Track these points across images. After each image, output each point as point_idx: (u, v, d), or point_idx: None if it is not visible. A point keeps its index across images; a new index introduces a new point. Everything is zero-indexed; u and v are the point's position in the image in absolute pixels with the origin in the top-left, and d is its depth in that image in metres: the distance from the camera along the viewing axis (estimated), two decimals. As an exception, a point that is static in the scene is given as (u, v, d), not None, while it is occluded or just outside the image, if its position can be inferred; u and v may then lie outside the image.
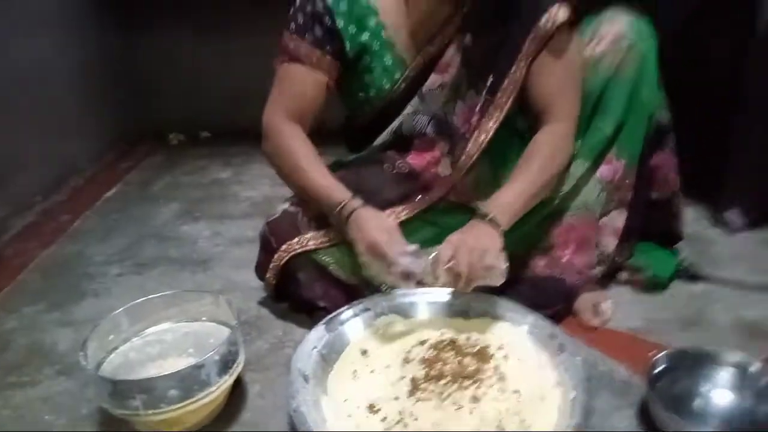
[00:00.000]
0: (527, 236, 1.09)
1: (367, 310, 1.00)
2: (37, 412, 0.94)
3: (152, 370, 0.90)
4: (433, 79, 1.07)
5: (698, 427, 0.82)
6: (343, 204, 0.99)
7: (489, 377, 0.88)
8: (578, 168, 1.08)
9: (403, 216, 1.08)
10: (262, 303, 1.20)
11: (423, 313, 1.02)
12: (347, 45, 1.04)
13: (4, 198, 1.59)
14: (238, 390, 0.94)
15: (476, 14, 1.03)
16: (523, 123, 1.08)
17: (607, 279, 1.18)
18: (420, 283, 0.97)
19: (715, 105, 1.35)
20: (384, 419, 0.82)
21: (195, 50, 2.25)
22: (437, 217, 1.11)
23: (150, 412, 0.79)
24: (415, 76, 1.07)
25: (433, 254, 0.93)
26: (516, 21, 0.99)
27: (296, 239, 1.06)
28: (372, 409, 0.84)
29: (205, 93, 2.29)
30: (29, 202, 1.68)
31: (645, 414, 0.85)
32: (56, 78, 1.83)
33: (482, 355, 0.92)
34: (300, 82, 1.06)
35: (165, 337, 0.96)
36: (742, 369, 0.85)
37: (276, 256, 1.07)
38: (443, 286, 0.97)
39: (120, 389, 0.79)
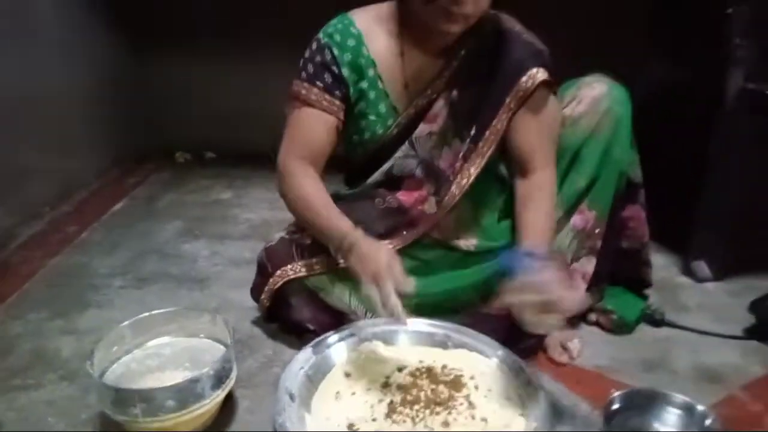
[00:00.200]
0: (504, 275, 1.17)
1: (352, 335, 1.08)
2: (41, 414, 1.01)
3: (151, 382, 0.97)
4: (423, 128, 1.16)
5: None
6: (346, 235, 1.04)
7: (460, 404, 0.96)
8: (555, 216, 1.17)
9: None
10: (255, 323, 1.27)
11: (405, 341, 1.10)
12: (351, 90, 1.13)
13: (13, 207, 1.67)
14: (228, 404, 1.01)
15: (463, 71, 1.12)
16: (503, 169, 1.18)
17: (577, 319, 1.26)
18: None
19: (687, 166, 1.47)
20: (361, 438, 0.90)
21: (203, 73, 2.35)
22: (418, 251, 1.20)
23: (148, 419, 0.86)
24: (406, 124, 1.16)
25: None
26: (499, 79, 1.09)
27: (290, 266, 1.15)
28: (351, 428, 0.92)
29: (212, 115, 2.39)
30: (37, 213, 1.76)
31: (601, 447, 0.93)
32: (68, 96, 1.92)
33: (455, 384, 1.00)
34: (312, 125, 1.13)
35: (164, 351, 1.04)
36: (689, 410, 0.93)
37: (271, 280, 1.16)
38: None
39: (122, 397, 0.86)
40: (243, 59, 2.31)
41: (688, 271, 1.50)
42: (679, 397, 0.94)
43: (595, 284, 1.24)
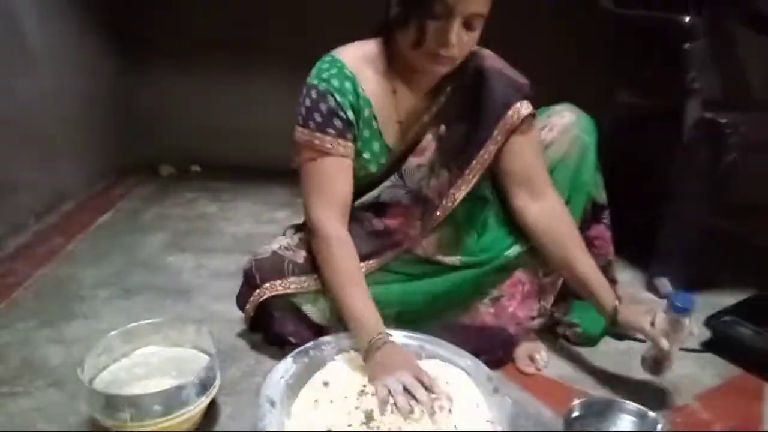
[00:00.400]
0: (482, 285, 1.25)
1: (332, 345, 1.14)
2: (30, 420, 1.05)
3: (138, 389, 1.02)
4: (412, 161, 1.20)
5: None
6: (378, 336, 1.05)
7: (432, 412, 1.02)
8: None
9: (373, 267, 1.23)
10: (238, 334, 1.32)
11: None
12: (356, 130, 1.16)
13: (1, 218, 1.69)
14: (212, 410, 1.06)
15: (450, 107, 1.18)
16: (485, 189, 1.24)
17: (545, 331, 1.34)
18: None
19: (651, 189, 1.56)
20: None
21: (189, 87, 2.40)
22: (402, 266, 1.26)
23: (136, 424, 0.91)
24: (396, 157, 1.22)
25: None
26: (485, 114, 1.16)
27: (279, 281, 1.19)
28: (328, 434, 0.97)
29: (197, 129, 2.44)
30: (24, 224, 1.79)
31: (562, 452, 1.00)
32: (55, 108, 1.95)
33: (428, 392, 1.06)
34: (334, 174, 1.14)
35: (151, 360, 1.09)
36: (642, 417, 1.01)
37: (257, 291, 1.20)
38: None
39: (112, 402, 0.91)
40: (230, 74, 2.37)
41: (651, 288, 1.58)
42: (634, 405, 1.02)
43: (563, 299, 1.31)
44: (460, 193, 1.20)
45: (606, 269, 1.36)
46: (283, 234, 1.31)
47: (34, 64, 1.84)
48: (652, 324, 1.09)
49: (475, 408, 1.03)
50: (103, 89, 2.27)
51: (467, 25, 1.02)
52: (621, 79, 1.75)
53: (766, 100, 1.86)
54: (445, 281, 1.24)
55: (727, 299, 1.45)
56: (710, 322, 1.34)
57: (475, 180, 1.19)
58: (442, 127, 1.19)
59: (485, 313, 1.25)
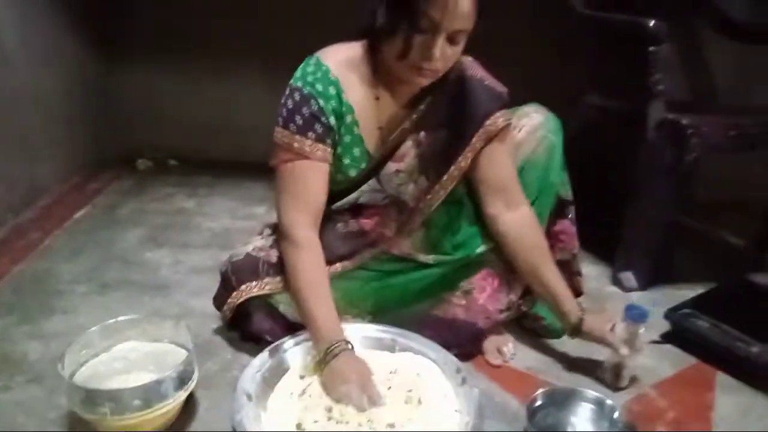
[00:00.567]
0: (454, 280, 1.29)
1: (307, 340, 1.17)
2: (10, 414, 1.07)
3: (117, 383, 1.04)
4: (391, 166, 1.24)
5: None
6: (336, 344, 1.08)
7: (404, 402, 1.06)
8: None
9: (350, 267, 1.27)
10: (215, 329, 1.35)
11: (356, 346, 1.19)
12: (336, 135, 1.18)
13: (-23, 214, 1.70)
14: (190, 404, 1.09)
15: (430, 115, 1.21)
16: (460, 193, 1.27)
17: (513, 324, 1.39)
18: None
19: (617, 186, 1.62)
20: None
21: (167, 80, 2.39)
22: (377, 264, 1.30)
23: (116, 417, 0.94)
24: (376, 163, 1.25)
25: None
26: (465, 122, 1.19)
27: (255, 282, 1.22)
28: (299, 427, 1.00)
29: (176, 122, 2.42)
30: (1, 219, 1.79)
31: (525, 440, 1.05)
32: (32, 101, 1.93)
33: (400, 384, 1.10)
34: (311, 177, 1.15)
35: (130, 355, 1.11)
36: (599, 405, 1.07)
37: (235, 293, 1.23)
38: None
39: (92, 396, 0.94)
40: (209, 68, 2.36)
41: (616, 282, 1.65)
42: (593, 394, 1.08)
43: (530, 293, 1.37)
44: (438, 198, 1.24)
45: (571, 262, 1.42)
46: (259, 234, 1.34)
47: (10, 58, 1.83)
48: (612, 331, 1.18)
49: (443, 398, 1.08)
50: (81, 82, 2.25)
51: (451, 40, 1.05)
52: (590, 80, 1.80)
53: (728, 102, 1.93)
54: (420, 277, 1.29)
55: (688, 292, 1.52)
56: (670, 315, 1.40)
57: (452, 186, 1.23)
58: (422, 134, 1.22)
59: (457, 305, 1.29)
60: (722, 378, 1.27)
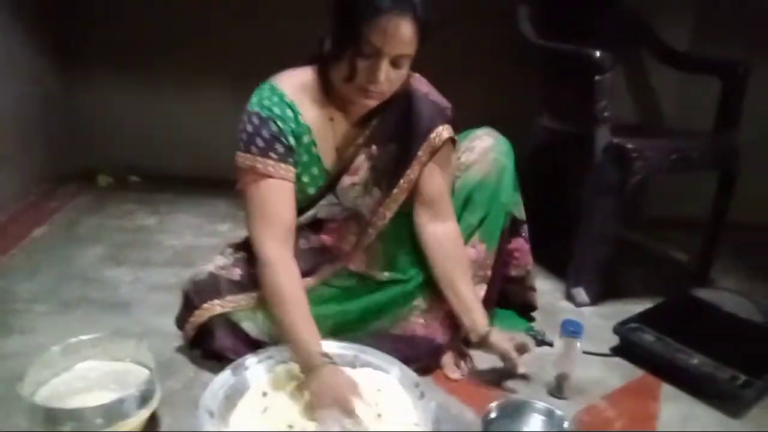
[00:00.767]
0: (411, 297, 1.34)
1: (269, 357, 1.20)
2: (-34, 436, 1.06)
3: (78, 402, 1.04)
4: (346, 180, 1.28)
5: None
6: (312, 359, 1.09)
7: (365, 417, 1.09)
8: None
9: (312, 284, 1.30)
10: (177, 347, 1.35)
11: (317, 362, 1.23)
12: (296, 155, 1.22)
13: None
14: (152, 422, 1.09)
15: (381, 130, 1.27)
16: (408, 207, 1.32)
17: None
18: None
19: (569, 205, 1.70)
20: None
21: (129, 95, 2.38)
22: (337, 280, 1.34)
23: (77, 437, 0.95)
24: (333, 178, 1.29)
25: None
26: (412, 136, 1.25)
27: (218, 300, 1.24)
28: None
29: (137, 137, 2.41)
30: (-45, 237, 1.76)
31: (480, 450, 1.10)
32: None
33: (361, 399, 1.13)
34: (277, 195, 1.18)
35: (90, 374, 1.12)
36: (550, 415, 1.13)
37: (197, 312, 1.25)
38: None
39: (53, 415, 0.94)
40: (171, 82, 2.37)
41: (569, 297, 1.72)
42: (543, 405, 1.14)
43: (486, 308, 1.42)
44: (390, 211, 1.29)
45: (525, 278, 1.50)
46: (221, 253, 1.36)
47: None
48: (518, 351, 1.28)
49: (403, 412, 1.12)
50: (39, 96, 2.21)
51: (395, 64, 1.12)
52: (543, 104, 1.89)
53: (671, 127, 2.06)
54: (379, 296, 1.33)
55: (636, 307, 1.60)
56: (618, 329, 1.47)
57: (403, 199, 1.28)
58: (374, 147, 1.27)
59: (416, 323, 1.34)
60: (666, 388, 1.34)
